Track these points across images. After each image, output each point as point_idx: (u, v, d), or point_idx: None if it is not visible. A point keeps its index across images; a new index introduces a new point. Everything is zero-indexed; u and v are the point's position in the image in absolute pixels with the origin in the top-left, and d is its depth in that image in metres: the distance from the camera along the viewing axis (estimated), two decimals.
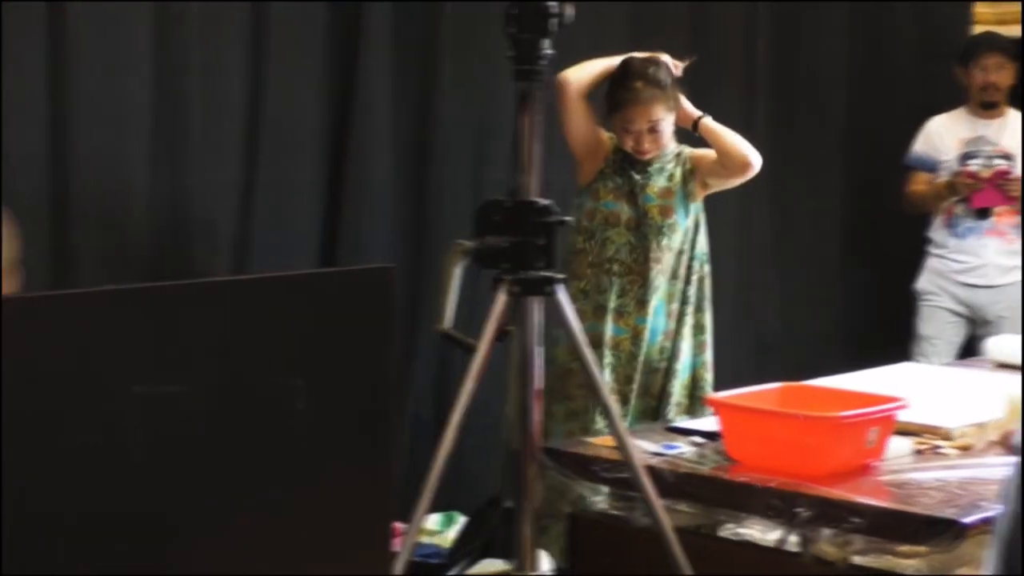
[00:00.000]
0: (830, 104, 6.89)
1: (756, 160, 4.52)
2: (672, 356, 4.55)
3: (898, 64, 7.14)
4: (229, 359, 2.54)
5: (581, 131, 4.52)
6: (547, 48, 2.97)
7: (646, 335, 4.50)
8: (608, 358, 4.48)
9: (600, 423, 4.27)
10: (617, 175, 4.54)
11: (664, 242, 4.51)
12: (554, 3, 2.92)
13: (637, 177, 4.52)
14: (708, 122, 4.54)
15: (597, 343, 4.42)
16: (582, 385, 4.29)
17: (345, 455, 2.69)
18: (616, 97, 4.49)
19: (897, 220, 6.73)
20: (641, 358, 4.50)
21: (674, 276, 4.55)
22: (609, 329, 4.49)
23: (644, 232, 4.50)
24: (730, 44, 6.40)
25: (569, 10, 2.96)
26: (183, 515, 2.47)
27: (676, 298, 4.56)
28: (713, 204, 6.28)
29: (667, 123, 4.50)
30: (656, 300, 4.51)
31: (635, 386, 4.49)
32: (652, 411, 4.52)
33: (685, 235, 4.57)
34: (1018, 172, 6.22)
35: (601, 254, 4.52)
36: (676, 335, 4.55)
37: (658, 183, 4.54)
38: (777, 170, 6.57)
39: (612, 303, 4.50)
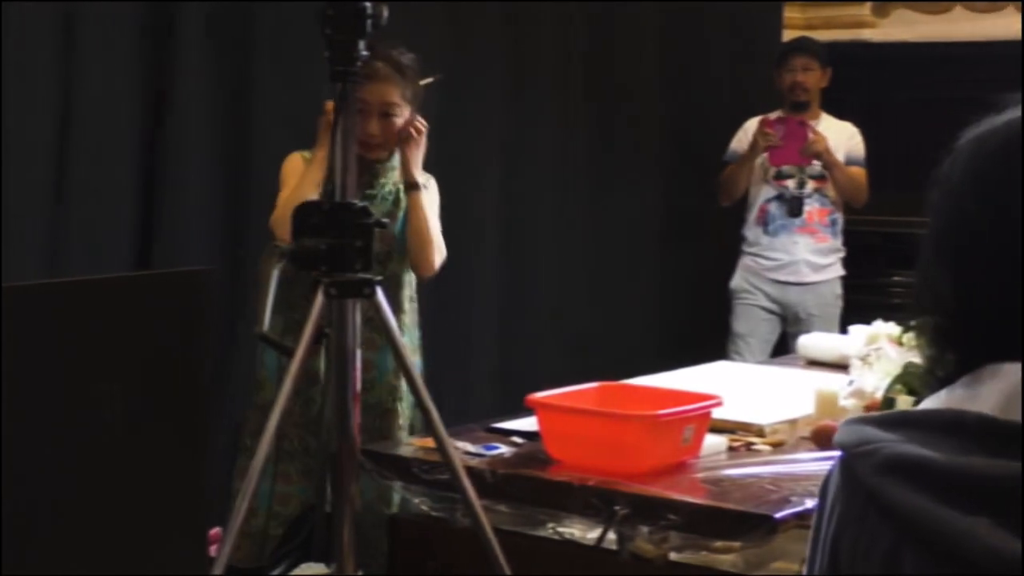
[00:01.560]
0: (646, 104, 6.97)
1: (435, 264, 4.31)
2: (400, 396, 4.32)
3: (713, 67, 7.26)
4: (42, 364, 2.50)
5: None
6: (363, 49, 2.97)
7: (371, 372, 4.15)
8: (318, 397, 4.08)
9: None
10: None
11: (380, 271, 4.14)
12: (369, 3, 2.92)
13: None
14: (420, 197, 4.29)
15: (314, 379, 3.99)
16: (296, 424, 4.18)
17: (159, 460, 2.66)
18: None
19: (713, 219, 6.84)
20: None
21: (396, 309, 4.19)
22: (323, 364, 3.77)
23: None
24: (545, 45, 6.44)
25: (384, 11, 2.95)
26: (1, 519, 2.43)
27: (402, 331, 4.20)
28: (528, 203, 6.34)
29: (401, 115, 4.31)
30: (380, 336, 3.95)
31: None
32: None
33: (403, 262, 4.37)
34: (818, 134, 6.36)
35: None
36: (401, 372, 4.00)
37: (377, 210, 4.12)
38: (593, 169, 6.64)
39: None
